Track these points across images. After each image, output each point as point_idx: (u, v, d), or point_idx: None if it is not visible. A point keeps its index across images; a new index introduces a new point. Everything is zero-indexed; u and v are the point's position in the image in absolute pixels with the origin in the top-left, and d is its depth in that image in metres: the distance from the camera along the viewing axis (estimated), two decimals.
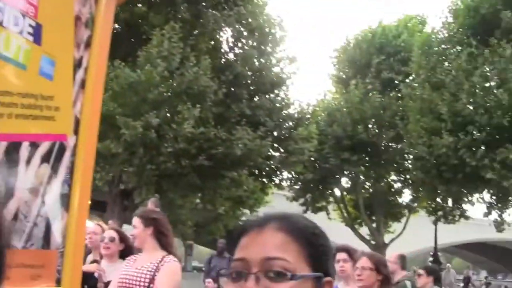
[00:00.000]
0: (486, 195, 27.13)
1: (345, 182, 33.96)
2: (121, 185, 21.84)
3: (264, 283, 1.19)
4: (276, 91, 24.97)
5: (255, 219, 1.33)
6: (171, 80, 19.92)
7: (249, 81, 23.78)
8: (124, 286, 4.44)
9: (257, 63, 23.82)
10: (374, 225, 33.31)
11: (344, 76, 33.82)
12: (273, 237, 1.25)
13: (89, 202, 2.62)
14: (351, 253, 5.40)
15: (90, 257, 6.00)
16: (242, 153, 21.20)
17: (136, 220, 4.71)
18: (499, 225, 27.39)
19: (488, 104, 22.93)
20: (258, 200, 33.07)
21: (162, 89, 19.43)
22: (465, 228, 47.58)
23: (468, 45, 24.96)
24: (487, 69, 23.98)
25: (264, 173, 26.14)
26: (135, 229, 4.69)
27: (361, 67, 32.19)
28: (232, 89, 22.88)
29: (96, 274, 5.27)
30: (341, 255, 5.33)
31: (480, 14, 25.09)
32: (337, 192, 34.19)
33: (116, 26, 22.38)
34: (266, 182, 27.62)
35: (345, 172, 32.45)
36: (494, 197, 26.69)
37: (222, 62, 23.29)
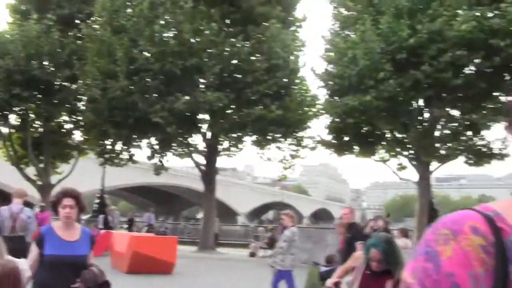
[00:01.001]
0: (153, 141, 28.40)
1: (13, 119, 32.42)
2: None
3: None
4: None
5: None
6: None
7: None
8: None
9: None
10: (41, 165, 32.54)
11: (24, 8, 32.04)
12: None
13: None
14: (79, 199, 5.20)
15: None
16: None
17: None
18: (158, 169, 28.98)
19: (165, 53, 24.00)
20: None
21: None
22: (132, 171, 49.36)
23: None
24: (168, 19, 25.01)
25: None
26: None
27: (42, 1, 30.79)
28: None
29: None
30: (68, 201, 5.12)
31: None
32: (4, 129, 32.53)
33: None
34: None
35: (15, 109, 30.99)
36: (159, 143, 28.07)
37: None
